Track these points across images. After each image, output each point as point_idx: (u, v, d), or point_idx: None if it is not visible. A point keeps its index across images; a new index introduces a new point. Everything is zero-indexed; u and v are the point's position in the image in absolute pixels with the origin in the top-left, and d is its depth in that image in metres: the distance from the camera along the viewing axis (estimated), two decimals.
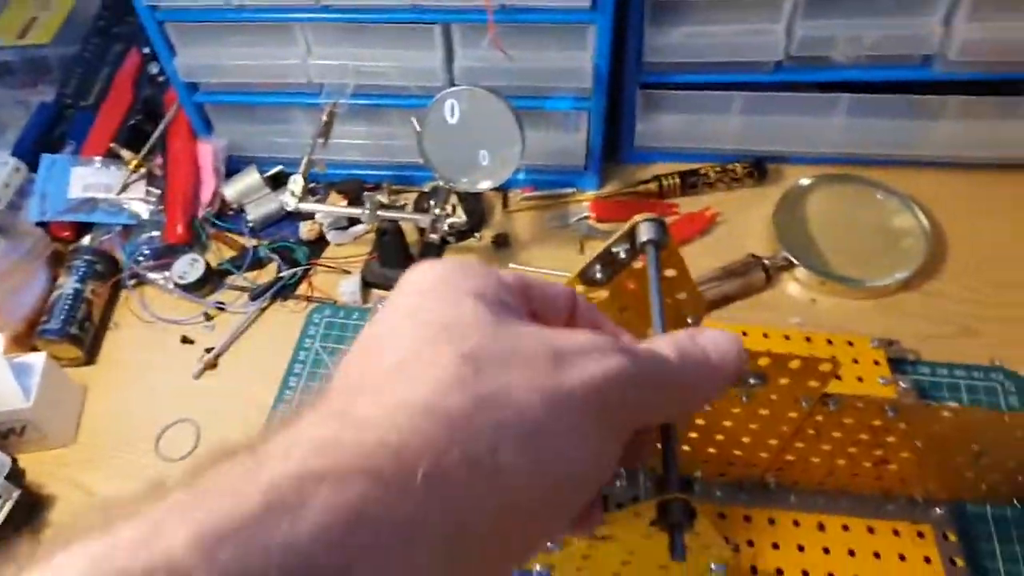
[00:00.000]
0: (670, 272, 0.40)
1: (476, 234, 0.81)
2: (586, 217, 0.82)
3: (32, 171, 0.83)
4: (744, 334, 0.67)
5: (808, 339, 0.67)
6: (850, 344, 0.67)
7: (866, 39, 0.72)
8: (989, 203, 0.79)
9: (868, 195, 0.80)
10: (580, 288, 0.41)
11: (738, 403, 0.49)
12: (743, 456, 0.55)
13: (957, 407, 0.48)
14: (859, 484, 0.57)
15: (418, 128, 0.69)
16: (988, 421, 0.49)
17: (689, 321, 0.42)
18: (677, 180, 0.82)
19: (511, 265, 0.79)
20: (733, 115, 0.79)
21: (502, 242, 0.80)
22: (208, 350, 0.74)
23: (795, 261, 0.74)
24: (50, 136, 0.87)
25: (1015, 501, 0.58)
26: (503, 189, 0.84)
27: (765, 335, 0.67)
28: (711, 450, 0.54)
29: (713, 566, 0.34)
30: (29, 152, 0.84)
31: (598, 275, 0.40)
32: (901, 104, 0.77)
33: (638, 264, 0.40)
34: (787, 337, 0.67)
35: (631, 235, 0.38)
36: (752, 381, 0.47)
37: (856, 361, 0.66)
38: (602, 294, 0.42)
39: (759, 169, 0.82)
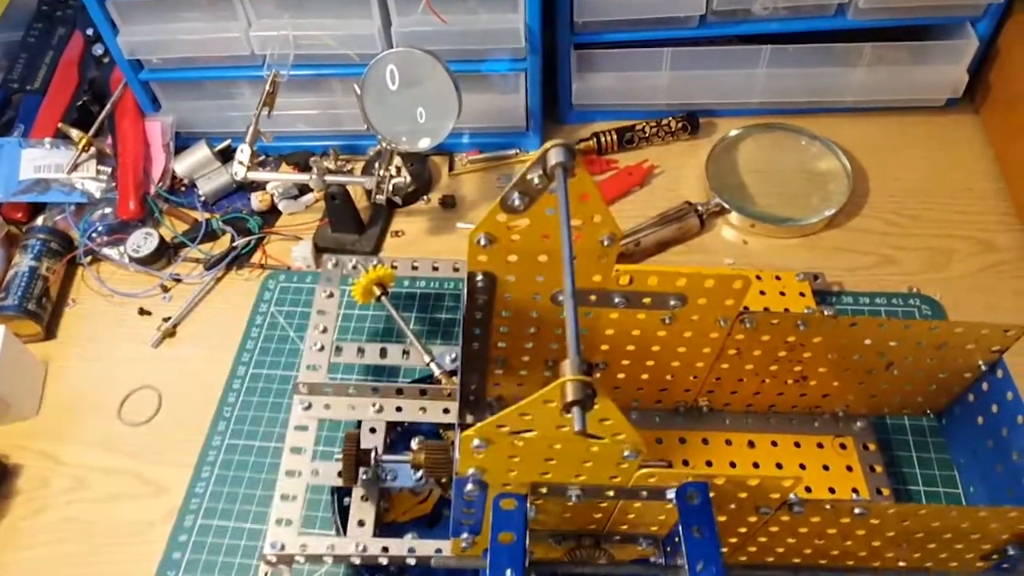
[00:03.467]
0: (582, 196, 0.43)
1: (424, 197, 0.83)
2: None
3: None
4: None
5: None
6: (777, 278, 0.71)
7: None
8: (904, 143, 0.84)
9: (794, 141, 0.84)
10: (502, 216, 0.44)
11: (662, 325, 0.52)
12: (675, 380, 0.58)
13: (861, 318, 0.52)
14: (785, 402, 0.61)
15: (358, 91, 0.71)
16: (891, 330, 0.53)
17: (604, 242, 0.46)
18: (614, 136, 0.85)
19: (458, 225, 0.82)
20: (663, 71, 0.83)
21: (449, 203, 0.83)
22: (166, 319, 0.76)
23: (727, 206, 0.78)
24: None
25: (929, 412, 0.63)
26: (449, 152, 0.87)
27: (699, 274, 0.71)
28: (644, 376, 0.58)
29: (626, 453, 0.37)
30: None
31: (516, 202, 0.43)
32: (819, 54, 0.81)
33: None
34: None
35: (543, 161, 0.41)
36: (672, 303, 0.50)
37: (783, 293, 0.70)
38: (523, 222, 0.45)
39: (692, 122, 0.86)
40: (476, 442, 0.37)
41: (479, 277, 0.48)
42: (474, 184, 0.86)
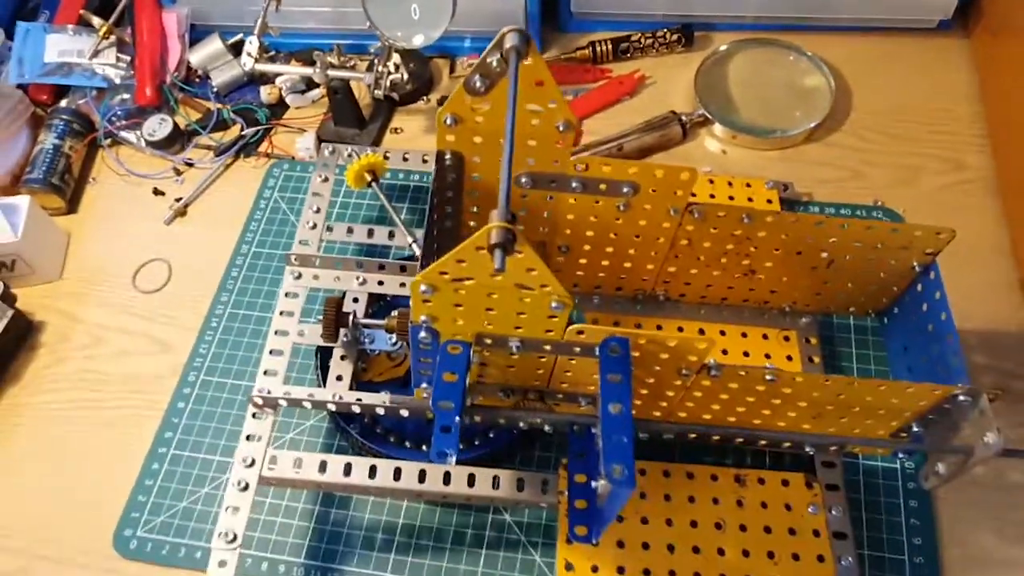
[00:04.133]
0: (537, 81, 0.47)
1: (424, 97, 0.87)
2: None
3: (8, 39, 0.89)
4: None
5: (711, 181, 0.75)
6: (748, 186, 0.75)
7: None
8: (891, 63, 0.86)
9: (783, 57, 0.86)
10: (467, 99, 0.49)
11: (618, 212, 0.57)
12: (633, 269, 0.63)
13: (802, 215, 0.56)
14: (736, 296, 0.65)
15: None
16: (829, 228, 0.57)
17: (560, 128, 0.50)
18: (609, 46, 0.88)
19: None
20: None
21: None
22: (178, 199, 0.82)
23: (710, 117, 0.81)
24: (23, 6, 0.92)
25: (871, 312, 0.67)
26: (451, 55, 0.91)
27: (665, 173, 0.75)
28: (604, 263, 0.63)
29: (554, 304, 0.43)
30: (4, 21, 0.90)
31: (478, 85, 0.47)
32: None
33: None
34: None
35: (499, 45, 0.45)
36: (625, 189, 0.55)
37: (751, 200, 0.74)
38: (485, 105, 0.49)
39: (687, 35, 0.88)
40: (423, 287, 0.42)
41: (447, 155, 0.53)
42: None
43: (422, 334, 0.46)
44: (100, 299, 0.77)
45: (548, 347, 0.47)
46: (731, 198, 0.74)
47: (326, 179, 0.71)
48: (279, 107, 0.89)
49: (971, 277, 0.69)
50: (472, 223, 0.60)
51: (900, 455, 0.57)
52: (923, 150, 0.79)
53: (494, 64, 0.46)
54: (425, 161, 0.73)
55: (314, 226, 0.68)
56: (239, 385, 0.70)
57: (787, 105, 0.83)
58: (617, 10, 0.89)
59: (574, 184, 0.55)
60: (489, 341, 0.47)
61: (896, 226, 0.56)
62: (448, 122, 0.50)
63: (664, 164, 0.53)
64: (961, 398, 0.49)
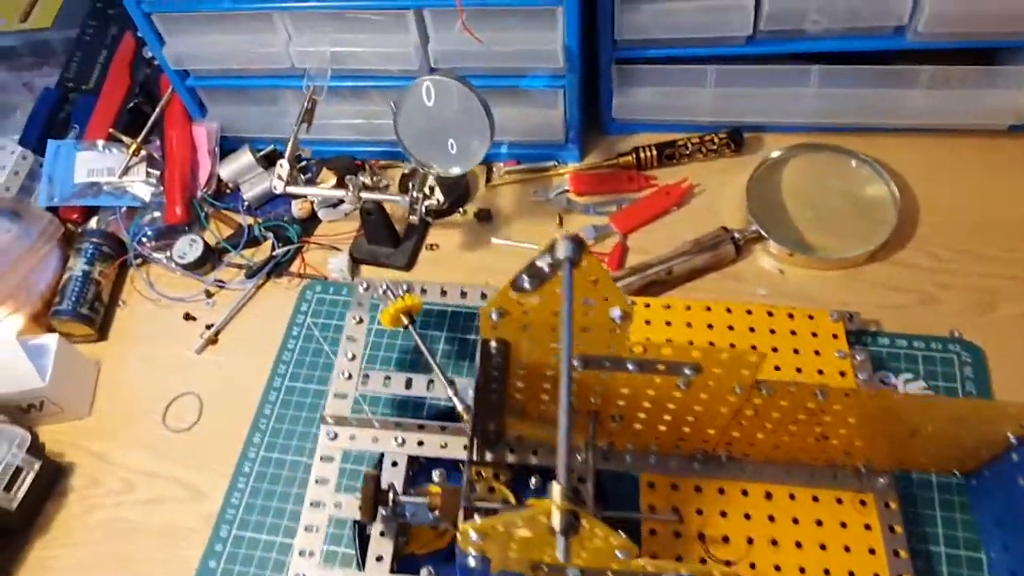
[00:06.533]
0: (594, 279, 0.43)
1: (460, 209, 0.84)
2: (565, 191, 0.84)
3: (39, 155, 0.87)
4: (708, 309, 0.70)
5: (770, 313, 0.70)
6: (810, 318, 0.70)
7: (839, 9, 0.72)
8: (959, 169, 0.80)
9: (841, 163, 0.81)
10: (512, 295, 0.45)
11: (678, 388, 0.52)
12: (692, 433, 0.58)
13: (879, 391, 0.52)
14: (806, 455, 0.60)
15: (394, 111, 0.71)
16: (910, 405, 0.52)
17: (616, 318, 0.45)
18: (654, 152, 0.84)
19: (493, 240, 0.82)
20: (707, 87, 0.80)
21: (485, 217, 0.84)
22: (208, 326, 0.79)
23: (764, 234, 0.76)
24: (55, 120, 0.91)
25: (955, 472, 0.62)
26: (487, 162, 0.87)
27: (728, 310, 0.70)
28: (661, 428, 0.58)
29: (619, 554, 0.38)
30: (36, 137, 0.88)
31: (527, 285, 0.43)
32: (872, 74, 0.77)
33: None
34: (749, 311, 0.70)
35: (552, 251, 0.41)
36: (687, 371, 0.50)
37: (815, 335, 0.69)
38: (533, 300, 0.45)
39: (736, 139, 0.83)
40: (473, 536, 0.38)
41: (493, 344, 0.49)
42: (511, 196, 0.85)
43: (471, 562, 0.42)
44: (131, 439, 0.74)
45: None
46: (793, 332, 0.69)
47: (360, 320, 0.68)
48: (311, 221, 0.86)
49: None
50: (517, 395, 0.56)
51: None
52: (999, 271, 0.73)
53: (545, 268, 0.42)
54: (464, 295, 0.70)
55: (349, 376, 0.65)
56: (273, 542, 0.66)
57: (848, 218, 0.78)
58: (661, 116, 0.84)
59: (631, 366, 0.50)
60: (546, 569, 0.43)
61: (987, 404, 0.51)
62: (494, 317, 0.46)
63: (729, 349, 0.49)
64: None
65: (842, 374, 0.66)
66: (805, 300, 0.74)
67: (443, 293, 0.70)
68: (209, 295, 0.82)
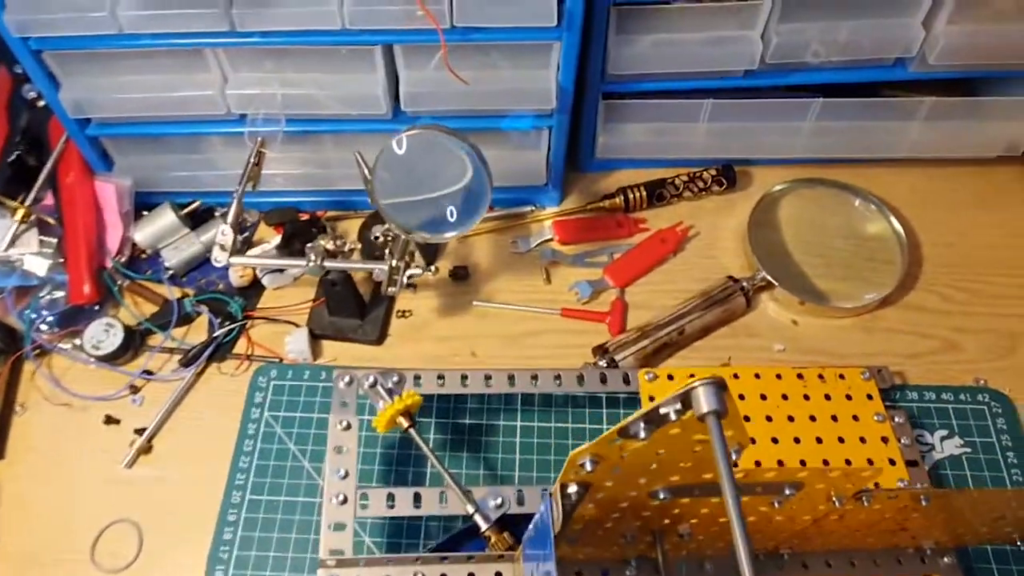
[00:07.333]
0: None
1: (431, 267, 0.73)
2: (549, 240, 0.75)
3: None
4: (736, 376, 0.63)
5: (800, 375, 0.64)
6: (841, 377, 0.64)
7: (842, 41, 0.67)
8: (956, 199, 0.78)
9: (839, 199, 0.77)
10: (618, 439, 0.35)
11: (769, 505, 0.45)
12: (760, 538, 0.51)
13: (982, 491, 0.46)
14: (872, 545, 0.55)
15: (366, 169, 0.60)
16: (1009, 498, 0.47)
17: (733, 453, 0.37)
18: (643, 192, 0.76)
19: (474, 303, 0.72)
20: (701, 122, 0.73)
21: (461, 274, 0.73)
22: (139, 431, 0.65)
23: (774, 282, 0.70)
24: None
25: (1018, 541, 0.58)
26: None
27: (757, 375, 0.64)
28: (722, 520, 0.51)
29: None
30: None
31: (642, 434, 0.34)
32: (872, 106, 0.73)
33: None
34: (778, 376, 0.64)
35: (685, 399, 0.32)
36: (788, 491, 0.43)
37: (849, 397, 0.63)
38: (637, 443, 0.36)
39: (728, 176, 0.77)
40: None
41: (572, 490, 0.39)
42: (487, 248, 0.76)
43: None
44: None
45: None
46: (827, 397, 0.63)
47: (348, 426, 0.56)
48: (253, 289, 0.72)
49: None
50: (577, 526, 0.46)
51: None
52: (1011, 309, 0.71)
53: (671, 415, 0.33)
54: (464, 383, 0.60)
55: (344, 500, 0.53)
56: None
57: (854, 259, 0.73)
58: (647, 153, 0.77)
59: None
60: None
61: None
62: (588, 468, 0.36)
63: (844, 467, 0.42)
64: None
65: (884, 440, 0.61)
66: (825, 354, 0.69)
67: (439, 380, 0.60)
68: (135, 391, 0.67)
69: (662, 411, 0.33)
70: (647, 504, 0.44)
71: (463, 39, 0.60)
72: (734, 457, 0.38)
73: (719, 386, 0.31)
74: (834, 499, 0.45)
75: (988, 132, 0.75)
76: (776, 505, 0.45)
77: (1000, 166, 0.79)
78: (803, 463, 0.59)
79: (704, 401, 0.31)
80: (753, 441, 0.60)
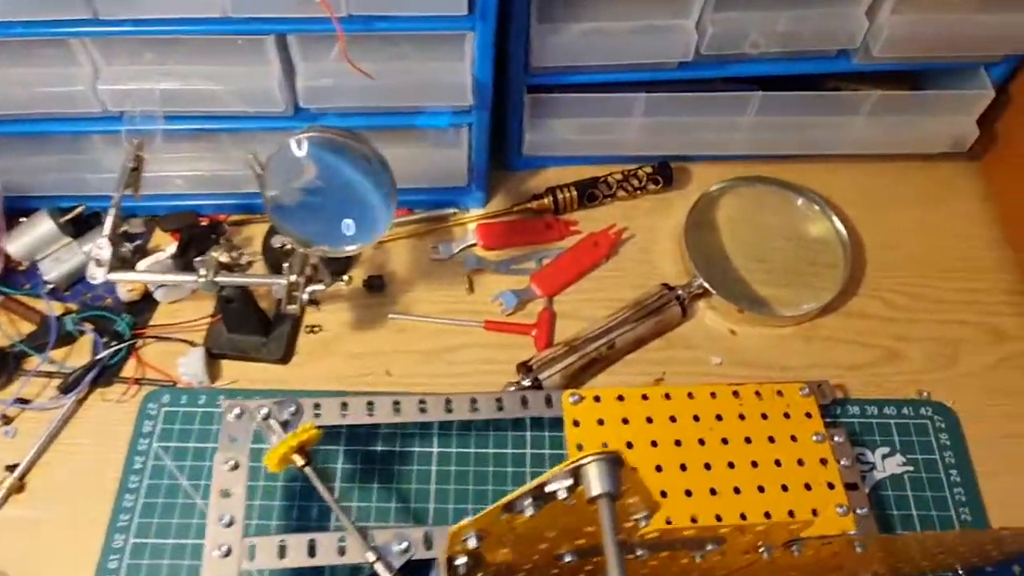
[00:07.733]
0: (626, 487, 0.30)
1: (344, 277, 0.67)
2: (472, 245, 0.70)
3: None
4: (667, 396, 0.59)
5: (736, 393, 0.59)
6: (779, 394, 0.60)
7: (782, 31, 0.62)
8: (899, 198, 0.75)
9: (780, 198, 0.73)
10: (504, 516, 0.30)
11: (690, 559, 0.41)
12: None
13: (923, 535, 0.43)
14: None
15: (258, 172, 0.53)
16: (951, 540, 0.43)
17: (641, 523, 0.33)
18: (574, 193, 0.71)
19: (390, 316, 0.66)
20: (635, 117, 0.68)
21: (376, 285, 0.67)
22: (10, 467, 0.58)
23: (711, 290, 0.66)
24: None
25: (959, 569, 0.55)
26: None
27: (690, 395, 0.59)
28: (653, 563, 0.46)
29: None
30: None
31: (529, 511, 0.29)
32: (814, 101, 0.68)
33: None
34: (713, 395, 0.59)
35: (575, 476, 0.27)
36: (709, 547, 0.38)
37: (787, 415, 0.59)
38: (525, 517, 0.31)
39: (664, 174, 0.72)
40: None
41: (461, 561, 0.34)
42: (405, 255, 0.70)
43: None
44: None
45: None
46: (764, 416, 0.59)
47: (236, 466, 0.51)
48: (144, 304, 0.66)
49: None
50: None
51: None
52: (955, 315, 0.68)
53: (561, 493, 0.28)
54: (371, 411, 0.54)
55: (228, 553, 0.48)
56: None
57: (795, 263, 0.69)
58: (578, 150, 0.72)
59: (639, 552, 0.38)
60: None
61: (1004, 533, 0.43)
62: (472, 544, 0.31)
63: (765, 521, 0.37)
64: None
65: (823, 462, 0.57)
66: (764, 367, 0.65)
67: (343, 411, 0.54)
68: (7, 421, 0.60)
69: (549, 489, 0.28)
70: (556, 563, 0.40)
71: (365, 29, 0.54)
72: (643, 525, 0.33)
73: (613, 462, 0.27)
74: (762, 550, 0.41)
75: (934, 127, 0.71)
76: (698, 560, 0.40)
77: (945, 162, 0.76)
78: (737, 490, 0.54)
79: (595, 483, 0.26)
80: (684, 467, 0.55)
